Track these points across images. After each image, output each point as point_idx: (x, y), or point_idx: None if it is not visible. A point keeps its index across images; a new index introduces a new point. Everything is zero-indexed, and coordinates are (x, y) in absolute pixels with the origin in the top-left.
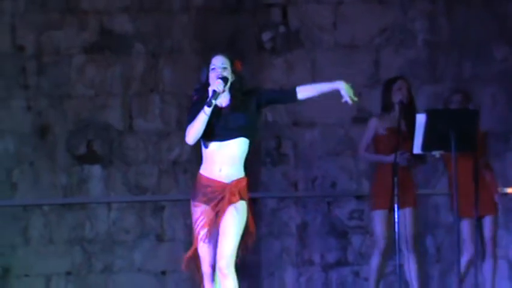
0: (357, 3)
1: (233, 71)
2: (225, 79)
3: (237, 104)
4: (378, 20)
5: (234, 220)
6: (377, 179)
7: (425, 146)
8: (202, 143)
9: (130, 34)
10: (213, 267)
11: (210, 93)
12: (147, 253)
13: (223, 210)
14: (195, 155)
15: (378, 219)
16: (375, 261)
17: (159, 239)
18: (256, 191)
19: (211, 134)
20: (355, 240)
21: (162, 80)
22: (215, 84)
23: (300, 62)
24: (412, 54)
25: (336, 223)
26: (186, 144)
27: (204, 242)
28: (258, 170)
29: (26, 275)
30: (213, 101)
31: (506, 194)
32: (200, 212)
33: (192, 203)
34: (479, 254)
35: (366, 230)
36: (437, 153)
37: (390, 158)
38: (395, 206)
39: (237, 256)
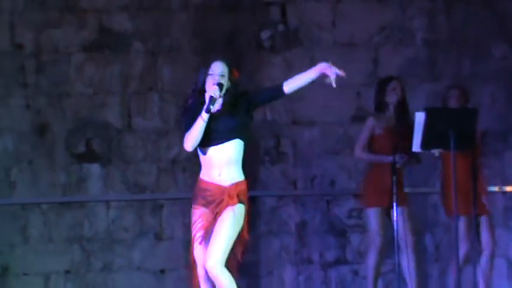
0: (356, 2)
1: (229, 78)
2: (220, 85)
3: (228, 108)
4: (376, 19)
5: (229, 222)
6: (372, 177)
7: (425, 144)
8: (199, 150)
9: (129, 32)
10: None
11: (207, 100)
12: (146, 252)
13: (221, 213)
14: (194, 153)
15: (373, 216)
16: (371, 258)
17: (158, 237)
18: (255, 189)
19: (205, 139)
20: (354, 238)
21: (161, 79)
22: (211, 90)
23: (298, 61)
24: (411, 53)
25: (335, 222)
26: None
27: (199, 244)
28: (257, 168)
29: (25, 274)
30: (211, 107)
31: (506, 193)
32: (199, 215)
33: (192, 205)
34: (476, 251)
35: (365, 229)
36: (436, 152)
37: (388, 158)
38: (395, 204)
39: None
